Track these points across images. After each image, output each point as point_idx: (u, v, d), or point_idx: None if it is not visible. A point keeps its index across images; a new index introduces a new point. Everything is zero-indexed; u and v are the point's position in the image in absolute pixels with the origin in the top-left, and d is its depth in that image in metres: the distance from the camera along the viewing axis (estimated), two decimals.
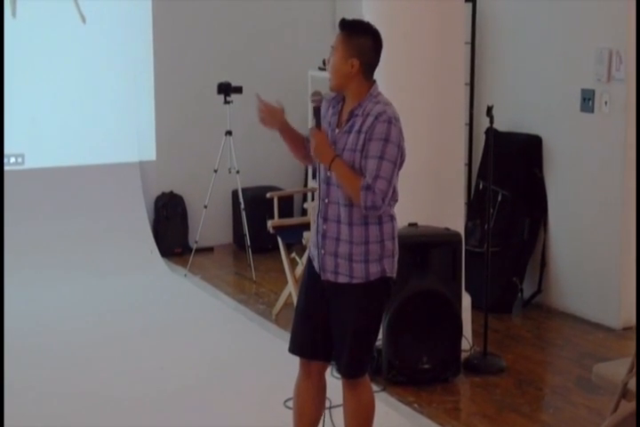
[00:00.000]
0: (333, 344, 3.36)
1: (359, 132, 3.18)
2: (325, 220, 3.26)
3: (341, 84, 3.24)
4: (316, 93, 3.24)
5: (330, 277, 3.28)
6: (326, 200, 3.26)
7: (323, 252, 3.27)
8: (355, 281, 3.25)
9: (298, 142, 3.43)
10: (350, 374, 3.38)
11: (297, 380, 3.51)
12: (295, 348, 3.46)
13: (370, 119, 3.17)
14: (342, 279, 3.26)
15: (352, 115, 3.22)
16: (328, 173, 3.23)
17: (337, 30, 3.26)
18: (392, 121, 3.15)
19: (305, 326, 3.41)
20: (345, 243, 3.23)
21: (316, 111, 3.23)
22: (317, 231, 3.32)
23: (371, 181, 3.11)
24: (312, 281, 3.39)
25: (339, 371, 3.41)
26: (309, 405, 3.49)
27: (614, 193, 5.40)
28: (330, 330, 3.36)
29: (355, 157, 3.17)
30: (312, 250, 3.38)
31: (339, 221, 3.23)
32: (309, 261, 3.43)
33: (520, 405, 4.35)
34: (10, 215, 6.46)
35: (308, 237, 3.45)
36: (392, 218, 3.29)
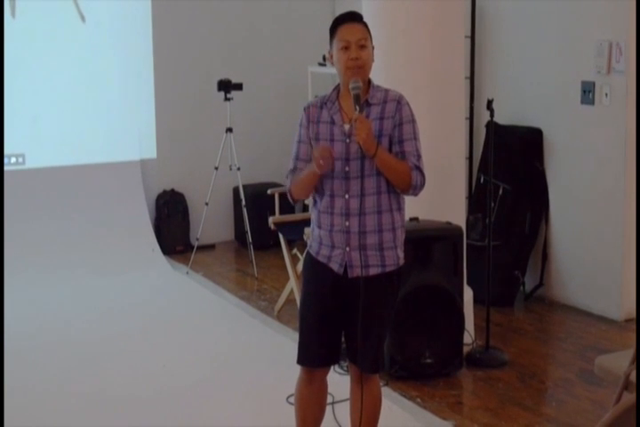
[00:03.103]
0: (351, 343, 3.30)
1: (382, 118, 3.21)
2: (348, 215, 3.22)
3: (368, 75, 3.26)
4: (355, 81, 3.17)
5: (359, 272, 3.22)
6: (347, 196, 3.21)
7: (348, 249, 3.22)
8: (388, 269, 3.25)
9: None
10: (376, 369, 3.36)
11: (298, 385, 3.44)
12: (307, 360, 3.37)
13: (391, 105, 3.22)
14: (374, 271, 3.23)
15: (366, 105, 3.22)
16: (347, 169, 3.19)
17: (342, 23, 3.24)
18: (408, 102, 3.27)
19: (321, 337, 3.32)
20: (372, 233, 3.22)
21: (358, 99, 3.16)
22: (334, 230, 3.24)
23: (416, 161, 3.21)
24: (326, 287, 3.29)
25: (362, 367, 3.32)
26: (313, 409, 3.46)
27: (615, 185, 5.39)
28: (340, 332, 3.33)
29: (380, 142, 3.19)
30: (324, 251, 3.28)
31: (364, 213, 3.20)
32: (313, 266, 3.33)
33: (523, 398, 4.35)
34: (11, 215, 6.45)
35: (310, 234, 3.39)
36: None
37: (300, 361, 3.38)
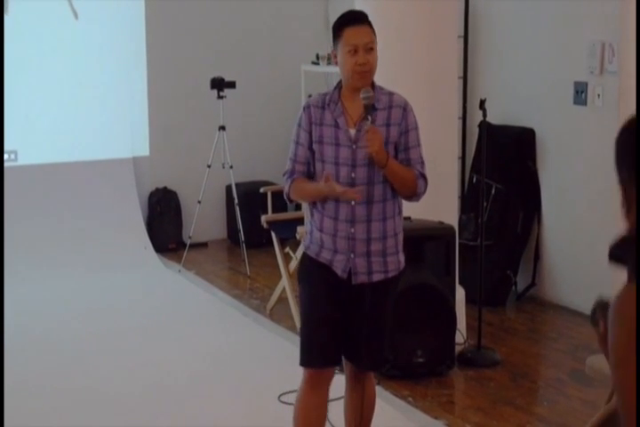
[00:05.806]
0: (350, 342, 3.26)
1: (388, 125, 3.18)
2: (353, 222, 3.17)
3: (373, 77, 3.22)
4: (366, 91, 3.12)
5: (363, 278, 3.20)
6: (352, 202, 3.15)
7: (353, 255, 3.18)
8: (390, 275, 3.25)
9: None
10: (377, 368, 3.40)
11: (301, 392, 3.33)
12: (312, 360, 3.29)
13: (397, 111, 3.19)
14: (377, 277, 3.22)
15: (372, 109, 3.14)
16: (352, 175, 3.14)
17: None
18: (412, 108, 3.26)
19: (325, 338, 3.26)
20: (377, 240, 3.19)
21: (369, 109, 3.11)
22: (338, 236, 3.18)
23: (421, 168, 3.22)
24: (329, 288, 3.25)
25: (365, 367, 3.32)
26: (316, 418, 3.35)
27: (608, 185, 5.37)
28: (342, 332, 3.29)
29: (386, 150, 3.15)
30: (325, 254, 3.22)
31: (369, 220, 3.17)
32: (313, 268, 3.28)
33: (514, 398, 4.36)
34: (2, 212, 6.44)
35: (302, 232, 3.38)
36: None
37: (304, 363, 3.29)
